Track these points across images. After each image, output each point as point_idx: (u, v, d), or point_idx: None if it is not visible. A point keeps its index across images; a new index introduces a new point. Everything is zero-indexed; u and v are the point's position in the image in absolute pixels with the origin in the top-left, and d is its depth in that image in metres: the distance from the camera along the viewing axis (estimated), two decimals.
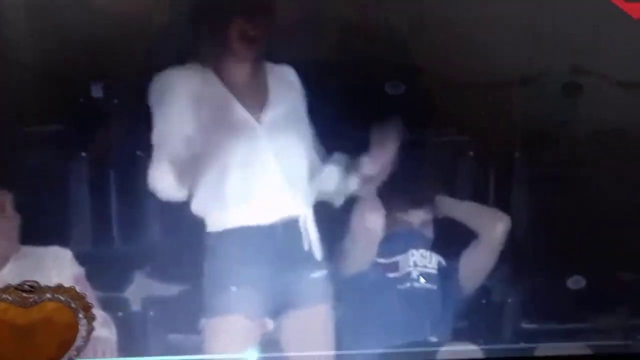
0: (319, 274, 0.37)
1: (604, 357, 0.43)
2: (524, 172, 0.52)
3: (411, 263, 0.72)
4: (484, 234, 0.69)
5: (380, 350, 0.44)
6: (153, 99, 0.33)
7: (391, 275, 0.72)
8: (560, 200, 0.49)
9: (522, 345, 0.60)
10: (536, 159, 0.46)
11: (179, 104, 0.33)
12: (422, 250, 0.74)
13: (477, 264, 0.75)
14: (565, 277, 0.59)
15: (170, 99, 0.33)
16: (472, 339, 0.62)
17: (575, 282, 0.63)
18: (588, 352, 0.54)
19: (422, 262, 0.73)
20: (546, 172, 0.49)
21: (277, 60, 0.37)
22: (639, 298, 0.45)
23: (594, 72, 0.38)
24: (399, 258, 0.73)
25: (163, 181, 0.33)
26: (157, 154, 0.33)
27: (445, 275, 0.77)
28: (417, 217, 0.74)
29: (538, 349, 0.66)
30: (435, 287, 0.74)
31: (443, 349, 0.62)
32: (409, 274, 0.71)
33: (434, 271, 0.74)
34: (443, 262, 0.75)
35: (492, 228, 0.66)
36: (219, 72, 0.34)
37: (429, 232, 0.78)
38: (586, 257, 0.54)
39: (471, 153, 0.52)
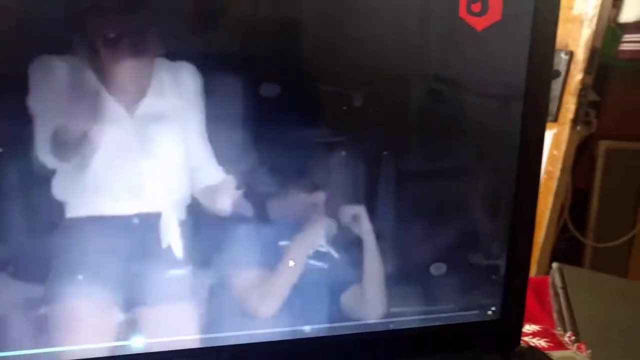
0: (180, 272, 0.34)
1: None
2: (392, 169, 0.52)
3: None
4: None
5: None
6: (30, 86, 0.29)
7: None
8: (424, 194, 0.50)
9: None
10: (403, 157, 0.46)
11: (52, 92, 0.30)
12: None
13: None
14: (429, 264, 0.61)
15: (44, 86, 0.30)
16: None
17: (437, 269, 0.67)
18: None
19: None
20: (413, 169, 0.49)
21: (176, 57, 0.32)
22: (491, 280, 0.49)
23: (450, 80, 0.38)
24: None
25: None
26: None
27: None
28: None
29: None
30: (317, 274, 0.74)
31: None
32: None
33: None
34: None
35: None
36: (92, 64, 0.30)
37: None
38: (446, 246, 0.56)
39: (343, 153, 0.50)
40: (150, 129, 0.33)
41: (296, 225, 0.39)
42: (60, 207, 0.33)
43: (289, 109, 0.37)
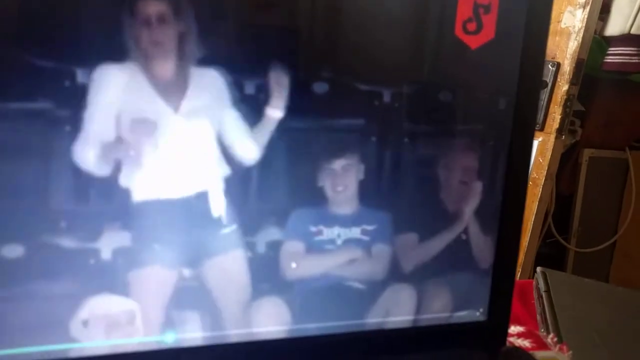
0: (229, 229, 0.39)
1: None
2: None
3: None
4: None
5: None
6: (91, 88, 0.34)
7: None
8: (415, 198, 0.51)
9: None
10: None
11: (109, 94, 0.35)
12: None
13: None
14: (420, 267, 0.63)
15: (103, 89, 0.35)
16: None
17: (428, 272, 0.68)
18: None
19: None
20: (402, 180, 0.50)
21: (203, 63, 0.38)
22: (479, 284, 0.51)
23: (445, 92, 0.41)
24: None
25: (85, 158, 0.35)
26: (84, 134, 0.35)
27: None
28: None
29: None
30: None
31: None
32: None
33: None
34: None
35: None
36: (145, 70, 0.36)
37: None
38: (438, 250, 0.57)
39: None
40: (191, 122, 0.37)
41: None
42: (126, 192, 0.36)
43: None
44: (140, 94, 0.37)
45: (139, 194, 0.38)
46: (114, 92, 0.36)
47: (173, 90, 0.38)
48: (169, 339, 0.39)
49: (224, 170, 0.39)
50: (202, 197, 0.39)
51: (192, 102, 0.38)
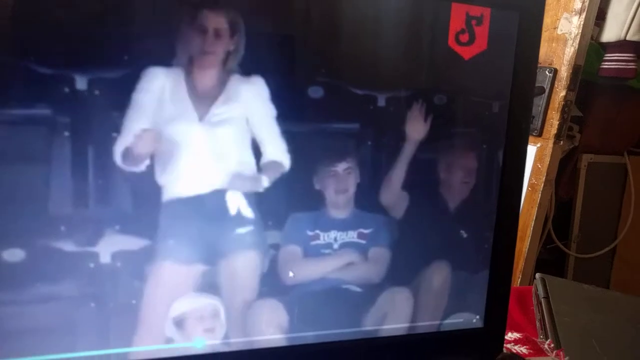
0: (245, 229, 0.40)
1: None
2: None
3: None
4: None
5: None
6: (134, 92, 0.37)
7: None
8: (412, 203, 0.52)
9: None
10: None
11: (150, 99, 0.37)
12: None
13: None
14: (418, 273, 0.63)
15: (144, 95, 0.37)
16: None
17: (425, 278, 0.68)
18: None
19: None
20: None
21: (249, 72, 0.40)
22: (475, 291, 0.52)
23: (439, 99, 0.42)
24: None
25: (120, 155, 0.37)
26: (123, 135, 0.37)
27: None
28: None
29: None
30: None
31: None
32: None
33: None
34: None
35: None
36: (187, 75, 0.38)
37: None
38: (433, 257, 0.57)
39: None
40: (215, 132, 0.39)
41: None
42: (159, 189, 0.37)
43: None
44: (176, 98, 0.37)
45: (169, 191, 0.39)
46: (155, 95, 0.37)
47: (205, 96, 0.38)
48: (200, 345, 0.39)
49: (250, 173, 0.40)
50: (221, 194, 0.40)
51: (221, 109, 0.40)
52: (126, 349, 0.38)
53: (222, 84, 0.39)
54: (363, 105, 0.40)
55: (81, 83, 0.35)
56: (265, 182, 0.40)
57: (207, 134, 0.39)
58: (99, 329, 0.37)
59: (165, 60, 0.35)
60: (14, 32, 0.33)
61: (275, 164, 0.40)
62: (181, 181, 0.38)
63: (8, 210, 0.34)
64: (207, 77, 0.38)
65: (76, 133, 0.35)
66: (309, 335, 0.42)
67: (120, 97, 0.35)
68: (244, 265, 0.41)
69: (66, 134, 0.35)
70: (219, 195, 0.39)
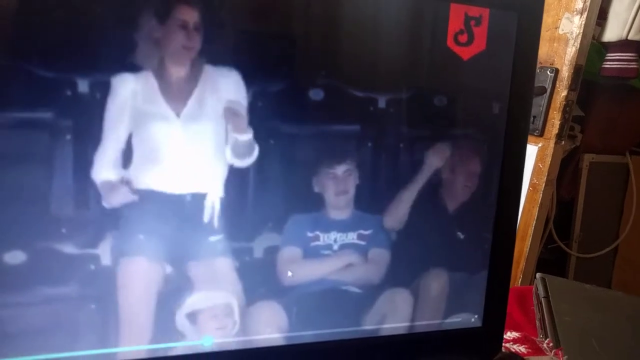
0: (217, 237, 0.40)
1: None
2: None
3: None
4: None
5: None
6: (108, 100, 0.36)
7: None
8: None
9: None
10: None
11: (123, 105, 0.37)
12: None
13: None
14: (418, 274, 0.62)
15: (115, 96, 0.37)
16: None
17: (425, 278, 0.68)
18: None
19: None
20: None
21: (219, 62, 0.39)
22: (474, 290, 0.52)
23: (438, 99, 0.42)
24: None
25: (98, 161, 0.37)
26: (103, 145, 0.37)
27: None
28: None
29: None
30: None
31: None
32: None
33: None
34: None
35: None
36: (157, 74, 0.38)
37: None
38: (433, 257, 0.56)
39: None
40: (192, 127, 0.38)
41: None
42: (130, 180, 0.37)
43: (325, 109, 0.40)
44: (149, 98, 0.37)
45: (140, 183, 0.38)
46: (126, 97, 0.37)
47: (180, 92, 0.38)
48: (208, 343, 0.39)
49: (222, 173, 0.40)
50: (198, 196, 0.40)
51: (197, 103, 0.39)
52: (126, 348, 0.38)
53: (195, 76, 0.38)
54: (363, 106, 0.40)
55: (83, 86, 0.35)
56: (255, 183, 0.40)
57: (185, 131, 0.38)
58: (106, 327, 0.37)
59: (134, 64, 0.35)
60: None
61: (245, 144, 0.39)
62: (165, 179, 0.38)
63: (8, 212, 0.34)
64: (181, 72, 0.38)
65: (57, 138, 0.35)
66: (307, 334, 0.42)
67: (93, 106, 0.34)
68: (228, 268, 0.41)
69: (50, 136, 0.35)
70: (199, 198, 0.39)
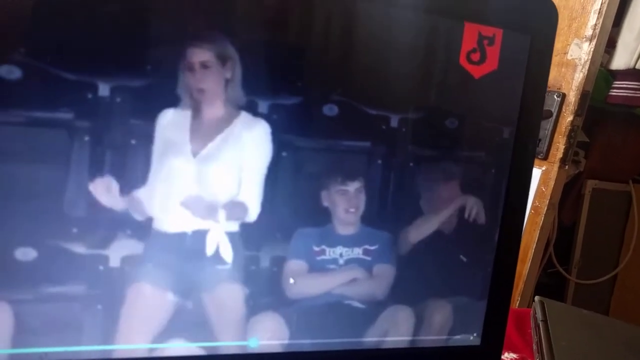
0: (223, 267, 0.41)
1: None
2: None
3: None
4: None
5: None
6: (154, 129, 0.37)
7: None
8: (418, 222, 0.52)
9: None
10: None
11: (157, 135, 0.37)
12: None
13: None
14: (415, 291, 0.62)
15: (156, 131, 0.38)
16: None
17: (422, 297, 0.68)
18: None
19: None
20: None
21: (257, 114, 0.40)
22: (473, 308, 0.51)
23: (447, 118, 0.43)
24: None
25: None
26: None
27: None
28: None
29: None
30: None
31: None
32: None
33: None
34: None
35: None
36: (193, 112, 0.38)
37: None
38: (434, 275, 0.57)
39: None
40: (204, 169, 0.38)
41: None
42: (149, 221, 0.37)
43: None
44: (177, 134, 0.37)
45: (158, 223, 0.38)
46: (164, 132, 0.36)
47: (206, 133, 0.38)
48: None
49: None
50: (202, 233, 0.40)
51: (215, 148, 0.38)
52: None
53: (226, 122, 0.39)
54: (375, 124, 0.40)
55: (104, 89, 0.36)
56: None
57: (199, 171, 0.38)
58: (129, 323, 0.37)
59: (169, 101, 0.35)
60: None
61: (239, 205, 0.39)
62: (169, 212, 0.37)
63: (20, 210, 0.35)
64: (212, 113, 0.37)
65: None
66: (306, 342, 0.42)
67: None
68: (236, 290, 0.41)
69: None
70: (199, 234, 0.38)
